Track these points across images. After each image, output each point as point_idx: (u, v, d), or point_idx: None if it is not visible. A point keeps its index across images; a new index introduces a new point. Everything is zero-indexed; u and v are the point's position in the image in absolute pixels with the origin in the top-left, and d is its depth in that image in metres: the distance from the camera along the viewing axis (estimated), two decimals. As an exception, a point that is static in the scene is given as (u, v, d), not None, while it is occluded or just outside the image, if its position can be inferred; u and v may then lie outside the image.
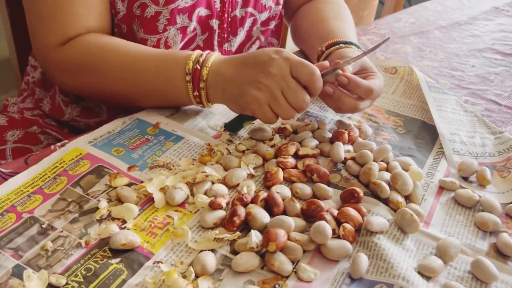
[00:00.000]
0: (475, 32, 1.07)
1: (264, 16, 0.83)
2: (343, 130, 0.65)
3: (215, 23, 0.77)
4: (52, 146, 0.60)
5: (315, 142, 0.64)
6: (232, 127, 0.65)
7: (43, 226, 0.49)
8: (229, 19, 0.79)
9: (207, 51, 0.64)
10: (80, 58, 0.66)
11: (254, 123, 0.67)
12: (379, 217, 0.52)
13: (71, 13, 0.66)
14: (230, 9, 0.78)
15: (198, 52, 0.63)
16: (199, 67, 0.61)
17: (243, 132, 0.66)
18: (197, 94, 0.63)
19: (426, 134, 0.69)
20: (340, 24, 0.78)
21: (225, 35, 0.80)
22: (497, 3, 1.22)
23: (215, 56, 0.63)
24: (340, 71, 0.62)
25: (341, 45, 0.71)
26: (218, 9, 0.77)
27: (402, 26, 1.05)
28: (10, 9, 0.86)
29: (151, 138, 0.63)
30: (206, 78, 0.61)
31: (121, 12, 0.71)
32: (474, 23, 1.11)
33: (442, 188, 0.59)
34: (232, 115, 0.66)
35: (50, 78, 0.74)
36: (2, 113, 0.82)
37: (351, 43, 0.72)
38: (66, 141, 0.62)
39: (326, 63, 0.63)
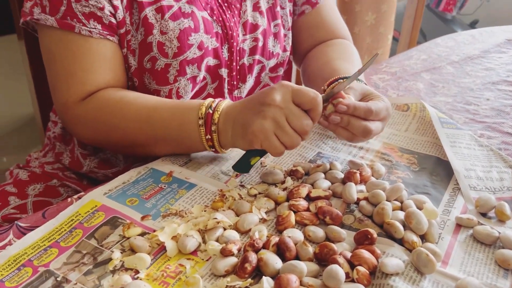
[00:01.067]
0: (489, 65, 1.07)
1: (272, 62, 0.85)
2: (355, 170, 0.64)
3: (224, 71, 0.80)
4: (69, 199, 0.62)
5: (327, 184, 0.64)
6: (240, 167, 0.66)
7: (58, 279, 0.49)
8: (238, 67, 0.81)
9: (219, 99, 0.66)
10: (98, 112, 0.69)
11: (261, 159, 0.67)
12: (394, 258, 0.51)
13: (87, 70, 0.70)
14: (238, 58, 0.81)
15: (210, 99, 0.66)
16: (211, 111, 0.64)
17: (255, 176, 0.67)
18: (209, 137, 0.64)
19: (441, 170, 0.68)
20: (343, 63, 0.80)
21: (235, 83, 0.82)
22: (510, 35, 1.22)
23: (226, 102, 0.65)
24: (340, 99, 0.63)
25: (340, 80, 0.72)
26: (226, 59, 0.79)
27: (414, 63, 1.06)
28: (33, 69, 0.90)
29: (164, 186, 0.64)
30: (217, 122, 0.63)
31: (133, 66, 0.74)
32: (487, 56, 1.11)
33: (460, 225, 0.58)
34: (242, 158, 0.66)
35: (70, 131, 0.77)
36: (25, 168, 0.85)
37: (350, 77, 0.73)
38: (82, 193, 0.63)
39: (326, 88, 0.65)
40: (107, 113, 0.69)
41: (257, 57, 0.83)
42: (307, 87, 0.60)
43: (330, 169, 0.67)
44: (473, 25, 2.58)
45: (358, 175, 0.64)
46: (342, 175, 0.65)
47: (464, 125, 0.81)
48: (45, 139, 0.90)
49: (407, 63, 1.06)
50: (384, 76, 0.98)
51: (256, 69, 0.84)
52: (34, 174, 0.82)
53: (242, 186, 0.65)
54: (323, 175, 0.66)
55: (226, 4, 0.78)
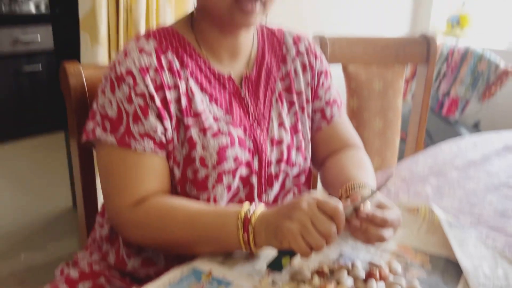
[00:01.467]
0: (490, 169, 1.17)
1: (295, 171, 0.97)
2: (375, 269, 0.73)
3: (254, 179, 0.91)
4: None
5: (350, 281, 0.72)
6: (273, 265, 0.74)
7: None
8: (266, 176, 0.93)
9: (255, 204, 0.77)
10: (148, 217, 0.80)
11: (292, 260, 0.75)
12: None
13: (140, 181, 0.82)
14: (266, 168, 0.93)
15: (248, 205, 0.76)
16: (249, 215, 0.74)
17: (285, 275, 0.75)
18: (246, 238, 0.74)
19: (452, 270, 0.76)
20: (358, 171, 0.91)
21: (263, 189, 0.94)
22: (508, 141, 1.34)
23: (261, 207, 0.76)
24: (360, 207, 0.74)
25: (356, 187, 0.84)
26: (256, 169, 0.91)
27: (421, 168, 1.17)
28: (83, 176, 1.02)
29: (205, 285, 0.72)
30: (254, 224, 0.73)
31: (177, 176, 0.86)
32: (488, 161, 1.22)
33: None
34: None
35: (121, 234, 0.87)
36: (74, 266, 0.94)
37: (364, 185, 0.84)
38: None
39: (348, 202, 0.76)
40: (156, 218, 0.80)
41: (282, 166, 0.95)
42: (331, 198, 0.71)
43: (352, 267, 0.76)
44: (476, 125, 2.73)
45: (378, 273, 0.72)
46: (363, 273, 0.74)
47: (470, 227, 0.90)
48: (88, 239, 1.00)
49: (415, 168, 1.17)
50: (395, 181, 1.09)
51: (281, 176, 0.96)
52: (83, 273, 0.91)
53: (274, 283, 0.73)
54: (346, 273, 0.74)
55: (256, 123, 0.92)
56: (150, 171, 0.83)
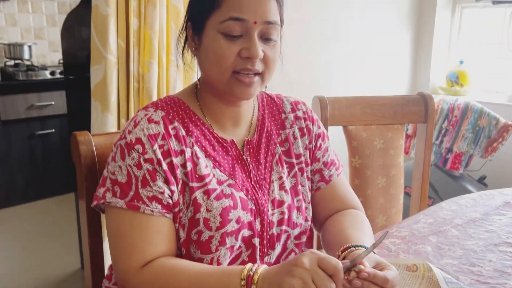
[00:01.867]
0: (490, 227, 1.19)
1: (296, 231, 1.00)
2: None
3: (256, 241, 0.94)
4: None
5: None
6: None
7: None
8: (268, 237, 0.96)
9: (259, 263, 0.80)
10: (155, 279, 0.83)
11: None
12: None
13: (147, 243, 0.85)
14: (268, 229, 0.96)
15: (251, 264, 0.79)
16: (251, 273, 0.77)
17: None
18: None
19: (450, 330, 0.77)
20: (356, 233, 0.94)
21: (265, 250, 0.96)
22: (508, 198, 1.37)
23: (264, 266, 0.79)
24: (361, 266, 0.76)
25: (352, 248, 0.87)
26: (259, 230, 0.94)
27: (421, 227, 1.19)
28: (91, 241, 1.06)
29: None
30: (256, 282, 0.76)
31: (182, 238, 0.90)
32: (488, 219, 1.24)
33: None
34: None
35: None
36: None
37: (361, 246, 0.87)
38: None
39: (346, 262, 0.78)
40: (163, 280, 0.82)
41: (284, 227, 0.98)
42: (331, 256, 0.74)
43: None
44: (481, 180, 2.74)
45: None
46: None
47: (470, 286, 0.91)
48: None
49: (415, 227, 1.19)
50: (395, 240, 1.11)
51: (283, 237, 0.99)
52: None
53: None
54: None
55: (258, 185, 0.96)
56: (158, 233, 0.86)
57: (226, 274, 0.80)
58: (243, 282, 0.77)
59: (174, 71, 1.63)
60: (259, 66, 0.89)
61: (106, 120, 1.52)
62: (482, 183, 2.73)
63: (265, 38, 0.89)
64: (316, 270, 0.72)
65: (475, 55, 3.18)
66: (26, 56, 3.39)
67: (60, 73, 3.30)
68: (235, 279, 0.78)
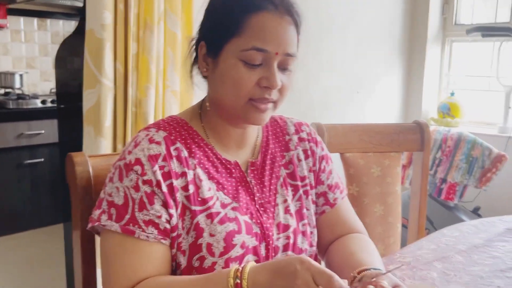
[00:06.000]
0: (494, 253, 1.17)
1: (301, 257, 0.97)
2: None
3: (262, 266, 0.90)
4: None
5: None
6: None
7: None
8: (273, 262, 0.92)
9: (243, 264, 0.75)
10: None
11: None
12: None
13: (136, 269, 0.81)
14: (273, 254, 0.92)
15: (235, 267, 0.75)
16: (239, 281, 0.72)
17: None
18: None
19: None
20: (367, 256, 0.91)
21: (270, 276, 0.92)
22: (510, 225, 1.35)
23: (249, 266, 0.74)
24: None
25: (371, 270, 0.83)
26: (264, 255, 0.91)
27: (425, 253, 1.16)
28: (84, 263, 1.01)
29: None
30: None
31: (183, 265, 0.86)
32: (491, 245, 1.22)
33: None
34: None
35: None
36: None
37: (379, 269, 0.84)
38: None
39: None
40: None
41: (289, 253, 0.94)
42: (325, 270, 0.70)
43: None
44: (475, 211, 2.73)
45: None
46: None
47: (481, 312, 0.88)
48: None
49: (419, 253, 1.16)
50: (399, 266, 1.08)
51: (288, 264, 0.95)
52: None
53: None
54: None
55: (262, 209, 0.93)
56: (150, 259, 0.82)
57: (211, 283, 0.76)
58: None
59: (170, 96, 1.62)
60: (275, 95, 0.88)
61: (99, 145, 1.48)
62: (476, 213, 2.72)
63: (283, 68, 0.88)
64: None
65: (466, 87, 3.23)
66: (17, 84, 3.36)
67: (52, 101, 3.27)
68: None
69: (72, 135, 1.91)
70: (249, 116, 0.88)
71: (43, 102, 3.24)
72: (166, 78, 1.62)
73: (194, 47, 0.94)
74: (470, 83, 3.23)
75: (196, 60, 0.94)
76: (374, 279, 0.75)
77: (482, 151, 2.51)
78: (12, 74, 3.33)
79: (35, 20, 3.58)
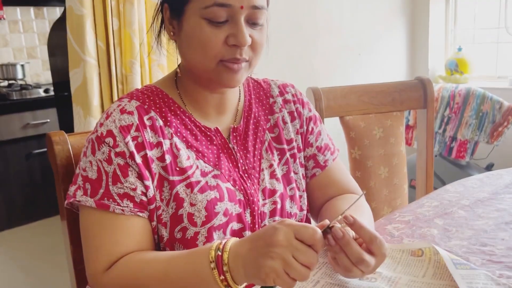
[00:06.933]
0: (500, 206, 1.11)
1: (291, 222, 0.93)
2: None
3: (248, 234, 0.87)
4: None
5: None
6: None
7: None
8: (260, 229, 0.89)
9: (226, 238, 0.72)
10: (122, 279, 0.76)
11: None
12: None
13: (115, 243, 0.78)
14: (260, 221, 0.89)
15: (218, 241, 0.71)
16: (220, 253, 0.69)
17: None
18: (223, 277, 0.69)
19: (462, 313, 0.70)
20: (353, 213, 0.87)
21: (259, 243, 0.89)
22: (517, 176, 1.29)
23: (232, 240, 0.71)
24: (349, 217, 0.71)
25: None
26: (249, 222, 0.88)
27: (426, 210, 1.12)
28: (73, 249, 0.99)
29: None
30: (227, 262, 0.68)
31: (165, 237, 0.83)
32: (498, 198, 1.16)
33: None
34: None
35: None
36: None
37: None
38: None
39: (326, 221, 0.72)
40: (129, 277, 0.75)
41: (277, 218, 0.91)
42: (307, 224, 0.67)
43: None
44: (489, 168, 2.66)
45: None
46: None
47: (482, 266, 0.84)
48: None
49: (420, 210, 1.12)
50: (398, 225, 1.04)
51: (276, 229, 0.91)
52: None
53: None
54: None
55: (246, 175, 0.90)
56: (128, 232, 0.80)
57: (193, 258, 0.73)
58: (212, 265, 0.69)
59: (157, 71, 1.58)
60: (247, 54, 0.83)
61: (90, 125, 1.46)
62: (490, 170, 2.64)
63: (252, 23, 0.82)
64: (295, 245, 0.65)
65: (473, 41, 3.11)
66: (20, 75, 3.36)
67: (54, 90, 3.27)
68: (204, 262, 0.70)
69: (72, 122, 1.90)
70: (221, 78, 0.84)
71: (46, 91, 3.24)
72: (152, 52, 1.57)
73: (160, 10, 0.89)
74: (478, 36, 3.11)
75: (163, 25, 0.90)
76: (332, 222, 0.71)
77: (492, 105, 2.42)
78: (14, 65, 3.33)
79: (32, 9, 3.56)
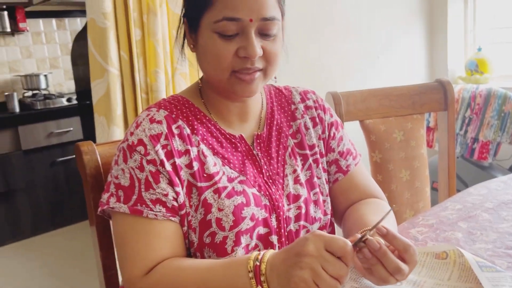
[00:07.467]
0: (524, 208, 1.11)
1: (315, 226, 0.95)
2: None
3: (274, 238, 0.89)
4: None
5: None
6: None
7: None
8: (286, 233, 0.91)
9: (265, 250, 0.74)
10: (160, 283, 0.78)
11: None
12: None
13: (150, 248, 0.81)
14: (285, 225, 0.91)
15: (257, 252, 0.74)
16: (258, 263, 0.71)
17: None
18: (260, 287, 0.71)
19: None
20: (373, 218, 0.88)
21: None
22: (541, 177, 1.28)
23: (270, 252, 0.73)
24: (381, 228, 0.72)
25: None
26: (275, 226, 0.89)
27: (449, 213, 1.12)
28: (102, 255, 1.02)
29: None
30: (265, 272, 0.70)
31: (195, 242, 0.85)
32: (522, 200, 1.16)
33: None
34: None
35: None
36: None
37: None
38: None
39: (357, 235, 0.72)
40: (167, 283, 0.78)
41: (302, 223, 0.92)
42: (338, 237, 0.68)
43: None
44: (512, 169, 2.63)
45: None
46: None
47: (508, 269, 0.84)
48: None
49: (443, 214, 1.12)
50: (422, 229, 1.04)
51: (302, 233, 0.93)
52: None
53: None
54: None
55: (271, 181, 0.92)
56: (162, 237, 0.82)
57: (232, 267, 0.75)
58: (251, 274, 0.72)
59: (179, 79, 1.61)
60: (259, 63, 0.85)
61: (113, 134, 1.50)
62: (514, 171, 2.61)
63: (264, 34, 0.84)
64: (324, 256, 0.66)
65: (493, 41, 3.08)
66: (43, 85, 3.44)
67: (76, 99, 3.34)
68: (242, 272, 0.72)
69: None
70: (235, 89, 0.86)
71: (69, 100, 3.31)
72: (174, 61, 1.60)
73: (182, 23, 0.92)
74: (498, 36, 3.07)
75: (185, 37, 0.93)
76: (365, 234, 0.72)
77: (514, 105, 2.40)
78: (37, 75, 3.41)
79: (53, 21, 3.64)
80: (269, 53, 0.85)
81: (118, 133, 1.51)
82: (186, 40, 0.93)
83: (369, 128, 1.67)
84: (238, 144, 0.92)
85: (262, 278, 0.71)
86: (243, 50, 0.82)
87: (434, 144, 2.64)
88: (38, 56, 3.61)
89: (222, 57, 0.83)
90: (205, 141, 0.89)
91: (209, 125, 0.91)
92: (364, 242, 0.71)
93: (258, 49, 0.82)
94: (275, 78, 0.96)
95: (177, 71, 1.62)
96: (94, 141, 1.04)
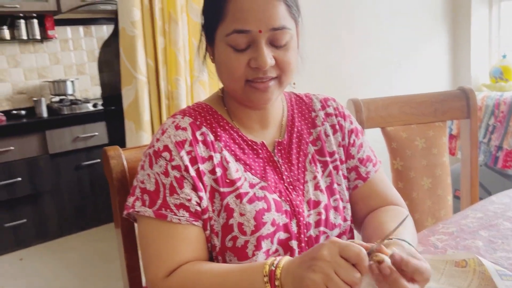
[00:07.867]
0: (547, 217, 1.10)
1: (335, 232, 0.96)
2: None
3: (294, 243, 0.91)
4: None
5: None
6: None
7: None
8: (306, 239, 0.92)
9: (281, 257, 0.76)
10: (180, 285, 0.81)
11: None
12: None
13: (173, 251, 0.84)
14: (305, 231, 0.92)
15: (273, 258, 0.76)
16: (273, 268, 0.73)
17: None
18: None
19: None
20: (394, 226, 0.88)
21: (304, 253, 0.92)
22: None
23: (286, 258, 0.75)
24: (395, 250, 0.71)
25: (394, 239, 0.80)
26: (295, 232, 0.91)
27: (470, 222, 1.12)
28: (127, 257, 1.05)
29: None
30: (279, 277, 0.72)
31: (217, 247, 0.88)
32: (545, 209, 1.15)
33: None
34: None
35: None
36: None
37: (403, 240, 0.80)
38: None
39: (373, 245, 0.72)
40: (187, 286, 0.80)
41: (322, 228, 0.94)
42: (353, 244, 0.69)
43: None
44: (538, 177, 2.58)
45: None
46: None
47: (528, 278, 0.84)
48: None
49: (464, 222, 1.12)
50: (442, 237, 1.04)
51: (321, 239, 0.94)
52: None
53: None
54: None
55: (291, 187, 0.94)
56: (184, 241, 0.85)
57: (248, 272, 0.77)
58: (266, 279, 0.74)
59: (198, 87, 1.64)
60: (272, 72, 0.87)
61: (141, 139, 1.54)
62: (539, 180, 2.57)
63: (275, 44, 0.86)
64: (338, 261, 0.67)
65: (518, 48, 3.04)
66: (70, 91, 3.53)
67: (102, 104, 3.41)
68: (258, 276, 0.74)
69: (122, 134, 1.99)
70: (250, 98, 0.89)
71: (95, 105, 3.39)
72: (193, 69, 1.64)
73: (201, 35, 0.96)
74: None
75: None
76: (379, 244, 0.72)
77: (539, 113, 2.36)
78: (64, 81, 3.51)
79: (81, 28, 3.74)
80: (281, 62, 0.87)
81: (145, 138, 1.55)
82: (207, 51, 0.96)
83: (390, 135, 1.67)
84: (260, 151, 0.94)
85: (277, 283, 0.72)
86: (254, 61, 0.85)
87: (457, 152, 2.62)
88: (65, 62, 3.71)
89: (234, 68, 0.86)
90: (227, 148, 0.92)
91: (232, 132, 0.94)
92: (378, 251, 0.72)
93: (269, 59, 0.85)
94: (294, 84, 0.98)
95: (195, 78, 1.66)
96: (119, 146, 1.08)
